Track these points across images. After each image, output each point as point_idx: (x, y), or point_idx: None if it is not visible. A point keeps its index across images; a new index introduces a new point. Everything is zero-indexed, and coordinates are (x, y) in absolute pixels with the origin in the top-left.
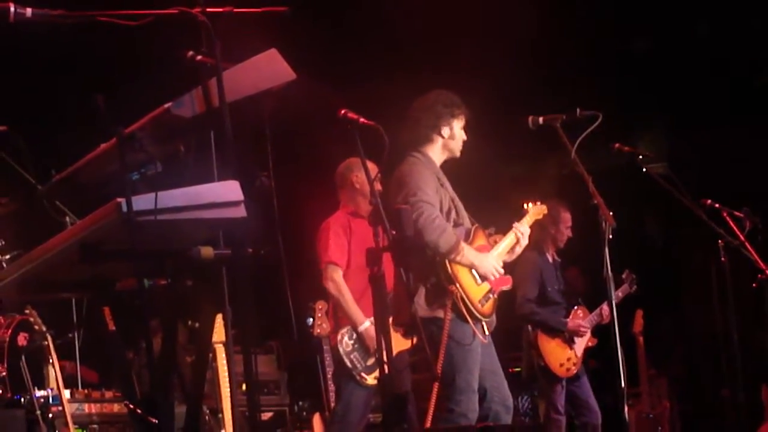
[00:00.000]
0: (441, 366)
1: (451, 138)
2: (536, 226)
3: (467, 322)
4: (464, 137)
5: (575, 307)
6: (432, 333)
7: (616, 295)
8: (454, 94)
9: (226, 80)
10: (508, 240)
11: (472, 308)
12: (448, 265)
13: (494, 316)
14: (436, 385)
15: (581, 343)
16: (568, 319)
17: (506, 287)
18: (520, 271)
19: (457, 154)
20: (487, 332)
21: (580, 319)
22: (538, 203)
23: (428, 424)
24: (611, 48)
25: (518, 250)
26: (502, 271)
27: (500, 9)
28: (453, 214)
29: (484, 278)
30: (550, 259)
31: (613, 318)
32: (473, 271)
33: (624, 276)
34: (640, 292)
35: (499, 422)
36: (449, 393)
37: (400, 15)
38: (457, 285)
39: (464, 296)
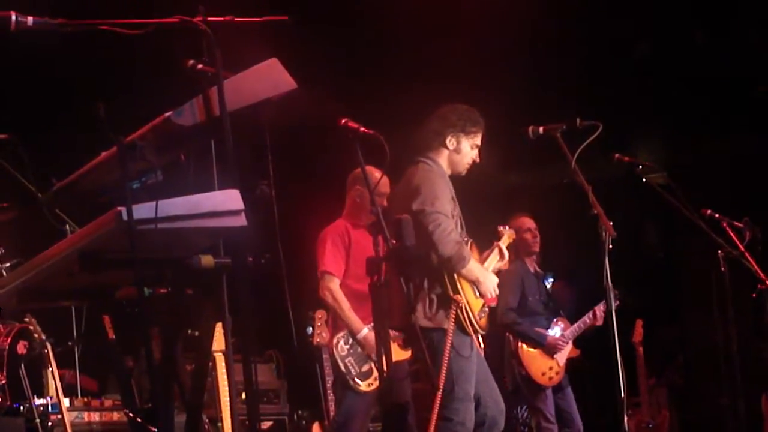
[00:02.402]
0: (438, 375)
1: (456, 152)
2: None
3: (467, 333)
4: (475, 158)
5: (555, 319)
6: (433, 342)
7: (600, 309)
8: (477, 113)
9: (226, 89)
10: (493, 256)
11: (473, 320)
12: (455, 277)
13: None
14: (438, 395)
15: (563, 354)
16: (548, 333)
17: (493, 304)
18: (501, 281)
19: (462, 171)
20: (482, 345)
21: (561, 330)
22: (508, 229)
23: None
24: (611, 57)
25: (497, 267)
26: (497, 291)
27: (499, 18)
28: (459, 229)
29: (481, 294)
30: (531, 270)
31: (613, 328)
32: (473, 286)
33: None
34: (641, 303)
35: (495, 426)
36: (447, 402)
37: (399, 24)
38: (462, 296)
39: (466, 307)
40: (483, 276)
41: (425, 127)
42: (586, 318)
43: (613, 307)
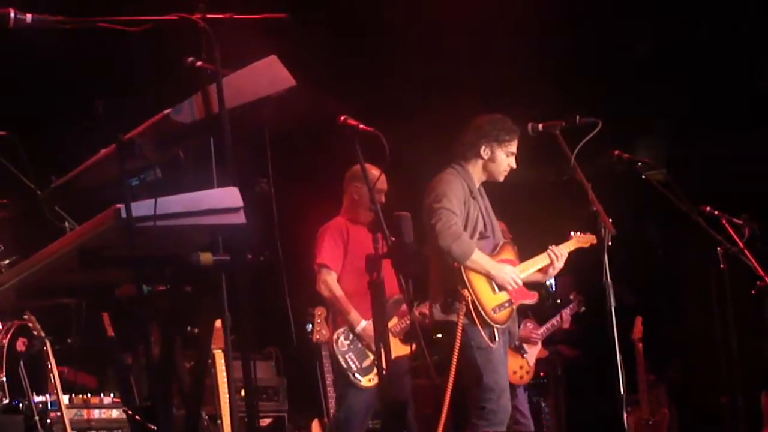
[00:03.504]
0: (458, 370)
1: (491, 160)
2: None
3: (483, 325)
4: (512, 165)
5: (524, 320)
6: (447, 335)
7: (567, 313)
8: (511, 122)
9: (225, 86)
10: (538, 258)
11: (483, 314)
12: (462, 271)
13: (515, 325)
14: (448, 391)
15: (533, 353)
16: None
17: (529, 301)
18: None
19: (499, 178)
20: (497, 338)
21: (530, 330)
22: (588, 234)
23: (440, 431)
24: (611, 53)
25: (552, 271)
26: (520, 282)
27: (499, 15)
28: (480, 227)
29: (501, 288)
30: None
31: (612, 325)
32: (491, 281)
33: (572, 297)
34: (640, 300)
35: None
36: (478, 393)
37: (399, 21)
38: (470, 290)
39: (476, 301)
40: (494, 269)
41: (461, 137)
42: (555, 320)
43: (612, 306)
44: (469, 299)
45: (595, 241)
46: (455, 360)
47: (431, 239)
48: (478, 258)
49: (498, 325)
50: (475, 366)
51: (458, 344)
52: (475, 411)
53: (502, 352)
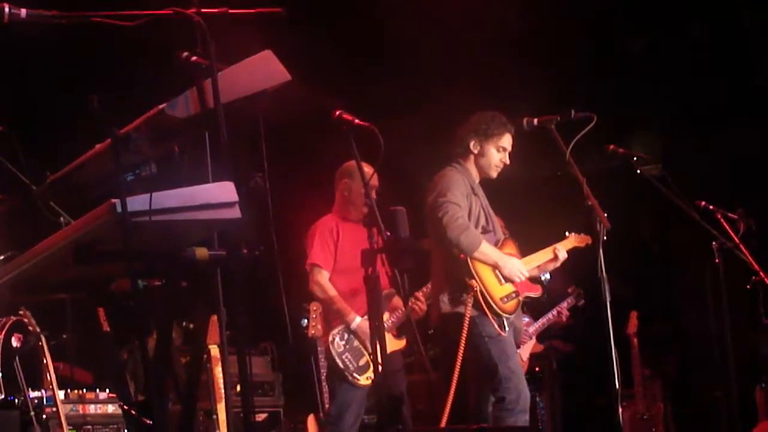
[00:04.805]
0: (464, 363)
1: (480, 155)
2: None
3: (487, 316)
4: (505, 161)
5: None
6: (453, 328)
7: (562, 308)
8: (504, 118)
9: (220, 81)
10: (541, 253)
11: (492, 303)
12: (469, 262)
13: (520, 321)
14: (454, 382)
15: (526, 348)
16: None
17: (534, 294)
18: None
19: (491, 174)
20: (506, 327)
21: (524, 326)
22: (583, 234)
23: (443, 424)
24: (607, 49)
25: (550, 267)
26: (527, 274)
27: (495, 9)
28: (483, 221)
29: (508, 279)
30: None
31: (608, 319)
32: (497, 272)
33: (570, 290)
34: (636, 294)
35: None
36: (496, 384)
37: (393, 16)
38: (477, 280)
39: (485, 291)
40: (501, 260)
41: (454, 135)
42: (550, 315)
43: (608, 300)
44: (478, 289)
45: (590, 242)
46: (461, 351)
47: (437, 233)
48: (486, 249)
49: (507, 315)
50: (488, 356)
51: (466, 335)
52: (495, 404)
53: (512, 341)
